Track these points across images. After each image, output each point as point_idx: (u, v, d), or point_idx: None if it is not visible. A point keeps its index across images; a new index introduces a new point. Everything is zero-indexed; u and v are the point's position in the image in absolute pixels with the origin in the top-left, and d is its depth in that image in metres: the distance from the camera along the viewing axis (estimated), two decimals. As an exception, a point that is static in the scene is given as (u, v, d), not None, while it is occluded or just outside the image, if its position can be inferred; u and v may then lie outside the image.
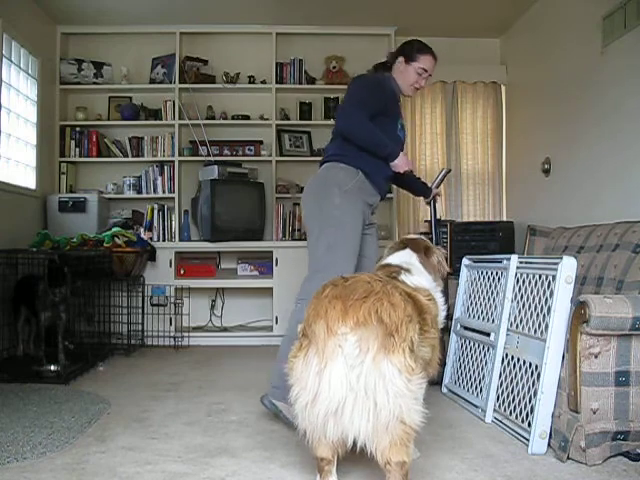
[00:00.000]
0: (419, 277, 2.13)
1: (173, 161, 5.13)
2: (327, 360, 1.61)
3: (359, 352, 1.60)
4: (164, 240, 5.04)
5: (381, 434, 1.61)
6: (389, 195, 5.29)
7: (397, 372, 1.61)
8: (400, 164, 2.82)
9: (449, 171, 3.68)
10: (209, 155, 5.07)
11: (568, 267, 2.29)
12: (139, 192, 5.14)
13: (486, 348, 2.84)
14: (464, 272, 3.26)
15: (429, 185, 3.41)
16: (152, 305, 4.72)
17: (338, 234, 2.67)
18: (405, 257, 2.24)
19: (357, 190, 2.74)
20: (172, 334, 4.72)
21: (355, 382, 1.59)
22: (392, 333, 1.63)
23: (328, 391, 1.60)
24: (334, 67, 5.29)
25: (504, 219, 5.32)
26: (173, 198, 5.12)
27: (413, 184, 3.33)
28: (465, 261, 3.28)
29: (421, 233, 3.59)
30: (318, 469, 1.84)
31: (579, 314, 2.12)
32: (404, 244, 2.32)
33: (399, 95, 2.99)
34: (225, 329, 5.10)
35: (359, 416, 1.60)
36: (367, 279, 1.78)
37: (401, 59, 2.94)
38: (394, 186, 5.24)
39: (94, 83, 5.16)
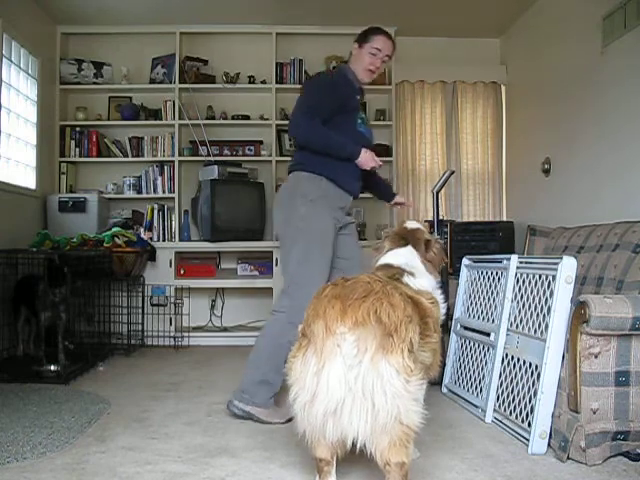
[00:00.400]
0: (421, 279, 2.10)
1: (173, 161, 5.13)
2: (325, 360, 1.60)
3: (357, 352, 1.59)
4: (164, 240, 5.04)
5: (380, 435, 1.60)
6: (389, 195, 5.30)
7: (395, 372, 1.59)
8: (364, 162, 2.74)
9: (452, 172, 3.68)
10: (209, 155, 5.07)
11: (568, 267, 2.29)
12: (139, 192, 5.14)
13: (486, 348, 2.84)
14: (464, 272, 3.26)
15: (393, 191, 3.35)
16: (152, 305, 4.72)
17: (308, 245, 2.66)
18: (407, 257, 2.17)
19: (323, 197, 2.71)
20: (172, 334, 4.72)
21: (353, 382, 1.57)
22: (391, 333, 1.61)
23: (326, 391, 1.58)
24: (334, 67, 5.28)
25: (504, 219, 5.33)
26: (173, 198, 5.12)
27: (377, 185, 3.19)
28: (465, 261, 3.28)
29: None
30: (317, 470, 1.83)
31: (579, 314, 2.12)
32: (405, 239, 2.23)
33: (358, 87, 2.90)
34: (225, 329, 5.10)
35: (357, 417, 1.58)
36: (367, 279, 1.76)
37: (355, 45, 2.89)
38: (395, 186, 5.28)
39: (94, 83, 5.15)
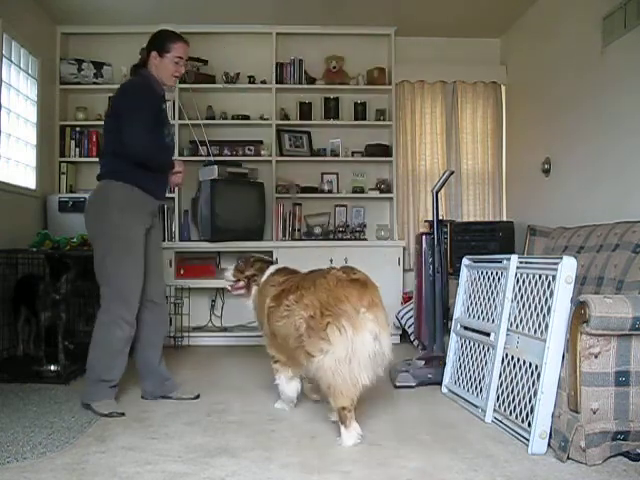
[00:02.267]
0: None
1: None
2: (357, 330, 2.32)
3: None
4: (164, 240, 5.02)
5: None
6: (389, 195, 5.31)
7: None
8: (175, 180, 3.05)
9: (452, 173, 3.68)
10: (209, 155, 5.07)
11: (568, 267, 2.29)
12: (139, 192, 5.14)
13: (486, 348, 2.83)
14: (464, 272, 3.25)
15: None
16: (152, 305, 4.71)
17: (121, 253, 2.78)
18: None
19: (135, 205, 2.82)
20: (172, 334, 4.72)
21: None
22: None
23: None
24: (334, 67, 5.28)
25: (504, 219, 5.32)
26: (173, 198, 5.12)
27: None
28: (465, 261, 3.28)
29: (422, 233, 3.61)
30: (342, 418, 2.32)
31: (579, 314, 2.12)
32: (266, 262, 3.06)
33: (162, 94, 2.98)
34: (225, 329, 5.10)
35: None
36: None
37: (154, 54, 2.90)
38: (395, 186, 5.28)
39: (94, 83, 5.15)
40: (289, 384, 2.78)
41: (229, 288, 3.10)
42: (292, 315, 2.51)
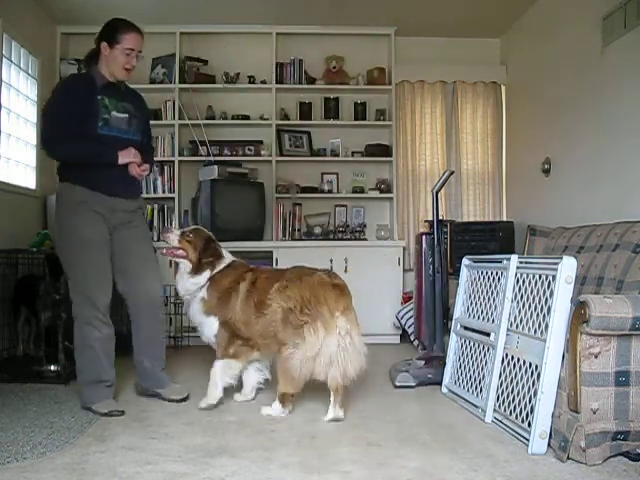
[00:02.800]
0: None
1: (173, 161, 5.13)
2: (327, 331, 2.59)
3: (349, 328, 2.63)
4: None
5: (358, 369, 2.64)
6: (389, 195, 5.30)
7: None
8: (123, 161, 2.81)
9: (452, 173, 3.68)
10: (209, 155, 5.07)
11: (568, 267, 2.29)
12: (139, 192, 5.14)
13: (486, 348, 2.83)
14: (464, 272, 3.25)
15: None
16: (152, 305, 4.71)
17: (78, 253, 2.75)
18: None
19: (82, 204, 2.77)
20: (172, 334, 4.72)
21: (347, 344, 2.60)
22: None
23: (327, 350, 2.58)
24: (334, 67, 5.29)
25: (504, 219, 5.33)
26: (173, 198, 5.13)
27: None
28: (465, 261, 3.28)
29: (422, 233, 3.61)
30: (284, 401, 2.68)
31: (579, 314, 2.12)
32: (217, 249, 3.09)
33: (104, 84, 2.84)
34: (225, 329, 5.09)
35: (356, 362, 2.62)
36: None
37: (104, 45, 2.78)
38: (395, 186, 5.28)
39: (94, 83, 5.15)
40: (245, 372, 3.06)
41: (164, 251, 2.99)
42: (272, 302, 2.72)
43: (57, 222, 2.85)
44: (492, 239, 4.57)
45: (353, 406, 2.85)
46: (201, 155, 5.12)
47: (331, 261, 4.68)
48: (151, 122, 5.12)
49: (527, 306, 2.54)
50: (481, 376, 2.82)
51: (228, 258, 3.07)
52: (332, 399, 2.65)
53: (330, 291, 2.63)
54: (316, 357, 2.57)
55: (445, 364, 3.23)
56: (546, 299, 2.38)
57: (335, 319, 2.58)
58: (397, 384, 3.27)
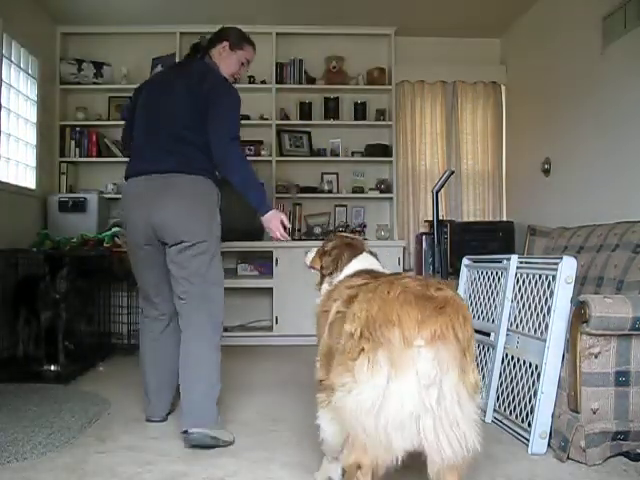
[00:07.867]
0: None
1: (173, 161, 5.12)
2: (398, 372, 1.47)
3: (437, 372, 1.46)
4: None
5: (460, 458, 1.54)
6: (389, 195, 5.30)
7: (472, 397, 1.51)
8: None
9: (452, 173, 3.69)
10: (209, 155, 5.06)
11: (568, 267, 2.29)
12: (139, 192, 5.13)
13: (486, 348, 2.83)
14: (464, 272, 3.25)
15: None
16: (152, 305, 4.71)
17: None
18: (369, 261, 2.11)
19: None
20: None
21: (434, 403, 1.46)
22: (464, 351, 1.49)
23: (399, 405, 1.46)
24: (334, 67, 5.29)
25: (504, 219, 5.32)
26: (173, 198, 5.11)
27: None
28: (465, 261, 3.28)
29: (422, 233, 3.61)
30: (350, 477, 1.56)
31: (579, 314, 2.12)
32: (358, 248, 2.17)
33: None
34: (225, 329, 5.07)
35: (445, 439, 1.49)
36: (421, 281, 1.62)
37: (225, 44, 2.74)
38: (395, 186, 5.28)
39: (94, 83, 5.15)
40: (331, 425, 1.76)
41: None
42: (334, 325, 1.79)
43: (213, 218, 2.71)
44: (492, 239, 4.57)
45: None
46: (201, 155, 5.11)
47: (331, 261, 4.67)
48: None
49: (527, 306, 2.54)
50: (481, 376, 2.82)
51: (353, 266, 2.11)
52: None
53: (412, 305, 1.50)
54: (380, 413, 1.47)
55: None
56: (546, 299, 2.38)
57: (411, 351, 1.46)
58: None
